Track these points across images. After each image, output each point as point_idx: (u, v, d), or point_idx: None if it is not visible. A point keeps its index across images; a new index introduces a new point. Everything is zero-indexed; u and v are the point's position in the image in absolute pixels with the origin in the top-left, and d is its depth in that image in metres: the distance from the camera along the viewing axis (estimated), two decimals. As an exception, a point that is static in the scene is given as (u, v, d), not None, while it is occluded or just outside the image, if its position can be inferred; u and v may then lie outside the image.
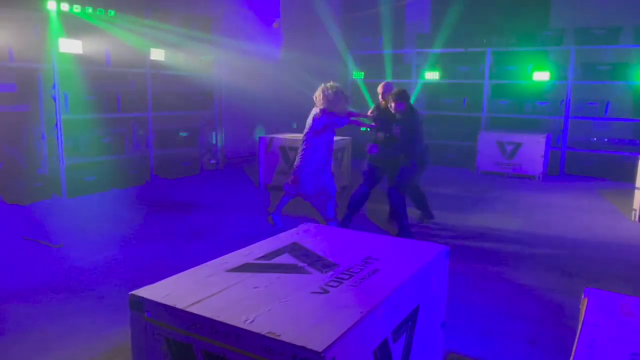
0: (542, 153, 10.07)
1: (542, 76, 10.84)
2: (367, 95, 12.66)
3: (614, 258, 5.51)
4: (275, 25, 11.97)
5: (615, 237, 6.29)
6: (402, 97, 5.97)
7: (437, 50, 11.98)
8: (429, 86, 12.35)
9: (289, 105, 12.33)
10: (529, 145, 10.20)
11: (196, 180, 9.50)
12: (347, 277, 2.48)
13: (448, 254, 3.00)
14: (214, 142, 10.81)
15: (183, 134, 9.87)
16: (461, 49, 11.69)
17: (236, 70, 10.87)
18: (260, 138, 8.85)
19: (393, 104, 5.95)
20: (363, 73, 12.96)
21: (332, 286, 2.36)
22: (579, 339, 1.93)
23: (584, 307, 2.21)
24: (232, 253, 2.83)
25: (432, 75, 12.06)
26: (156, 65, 9.13)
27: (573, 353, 1.85)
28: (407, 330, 2.51)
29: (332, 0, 13.15)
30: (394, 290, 2.33)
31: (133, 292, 2.23)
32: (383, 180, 6.53)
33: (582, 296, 2.29)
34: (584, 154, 10.65)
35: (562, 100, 10.81)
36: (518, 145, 10.29)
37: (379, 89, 6.71)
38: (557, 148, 10.81)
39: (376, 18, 12.81)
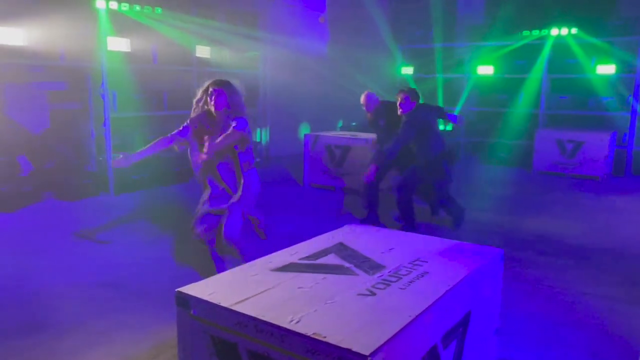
0: (607, 152, 9.65)
1: (607, 69, 10.39)
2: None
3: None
4: (321, 19, 12.01)
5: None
6: (412, 96, 5.92)
7: (491, 43, 11.69)
8: (482, 81, 12.06)
9: (335, 102, 12.35)
10: (591, 144, 9.79)
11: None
12: (394, 279, 2.47)
13: (502, 257, 2.94)
14: (258, 140, 10.96)
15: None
16: (518, 42, 11.34)
17: (281, 67, 10.99)
18: (305, 136, 8.91)
19: (400, 104, 5.92)
20: (412, 67, 12.81)
21: (379, 288, 2.36)
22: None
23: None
24: (277, 252, 2.87)
25: (485, 70, 11.78)
26: (202, 62, 9.35)
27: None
28: (458, 337, 2.47)
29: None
30: (444, 295, 2.30)
31: (179, 289, 2.30)
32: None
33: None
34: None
35: (630, 95, 10.31)
36: (580, 144, 9.90)
37: (362, 101, 6.65)
38: (622, 147, 10.31)
39: (427, 10, 12.61)
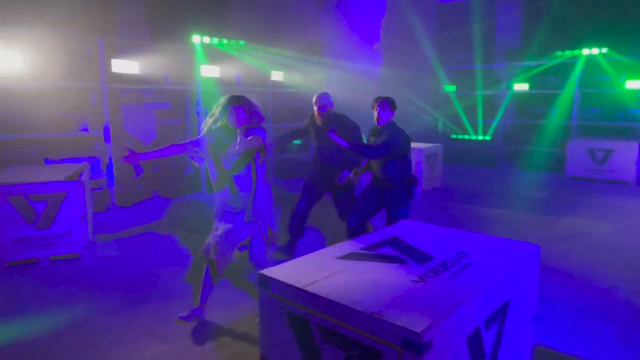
0: (635, 159, 8.99)
1: (635, 84, 9.69)
2: (458, 108, 12.22)
3: None
4: (376, 47, 11.94)
5: None
6: (390, 105, 4.44)
7: (527, 62, 11.21)
8: (519, 96, 11.57)
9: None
10: (621, 152, 9.16)
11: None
12: (442, 269, 2.42)
13: (539, 253, 2.81)
14: (322, 148, 11.03)
15: (297, 142, 10.19)
16: (551, 61, 10.79)
17: (341, 87, 11.00)
18: (361, 145, 8.86)
19: (377, 112, 4.44)
20: (455, 86, 12.51)
21: (429, 276, 2.32)
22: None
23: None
24: (341, 243, 2.88)
25: (521, 87, 11.31)
26: (276, 84, 9.55)
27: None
28: (499, 321, 2.39)
29: (427, 21, 12.83)
30: (486, 283, 2.24)
31: (261, 271, 2.36)
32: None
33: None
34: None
35: (658, 108, 9.57)
36: (609, 152, 9.28)
37: (317, 100, 4.83)
38: (651, 154, 9.57)
39: (468, 36, 12.28)
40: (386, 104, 4.39)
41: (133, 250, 5.17)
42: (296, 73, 9.89)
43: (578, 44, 10.38)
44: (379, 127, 4.37)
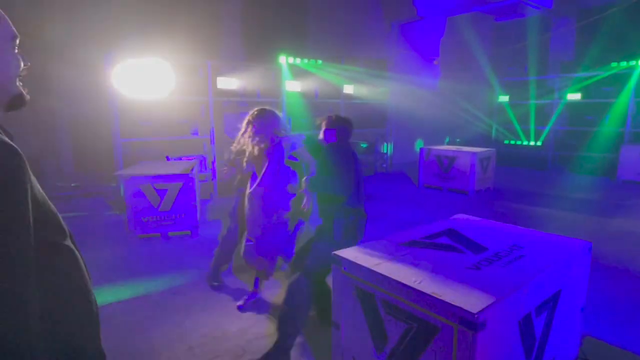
0: (694, 165, 7.86)
1: (696, 92, 8.46)
2: (511, 115, 11.45)
3: None
4: (435, 62, 11.52)
5: None
6: (336, 123, 3.01)
7: (580, 74, 10.22)
8: (572, 105, 10.59)
9: (443, 123, 11.81)
10: (677, 158, 8.07)
11: (372, 179, 9.67)
12: (496, 259, 2.30)
13: (590, 249, 2.57)
14: (385, 151, 10.89)
15: (364, 145, 10.14)
16: (606, 72, 9.74)
17: (404, 98, 10.78)
18: (420, 149, 8.63)
19: (323, 130, 3.09)
20: (508, 96, 11.72)
21: (483, 265, 2.21)
22: None
23: None
24: (402, 232, 2.83)
25: (573, 96, 10.33)
26: (347, 96, 9.55)
27: None
28: (549, 309, 2.22)
29: (484, 38, 12.14)
30: (537, 273, 2.09)
31: (335, 252, 2.38)
32: None
33: None
34: None
35: None
36: (665, 158, 8.21)
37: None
38: None
39: (523, 50, 11.46)
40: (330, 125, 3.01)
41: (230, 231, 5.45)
42: (364, 86, 9.83)
43: (633, 55, 9.28)
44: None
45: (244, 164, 3.06)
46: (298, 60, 8.31)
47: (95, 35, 6.76)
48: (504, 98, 11.79)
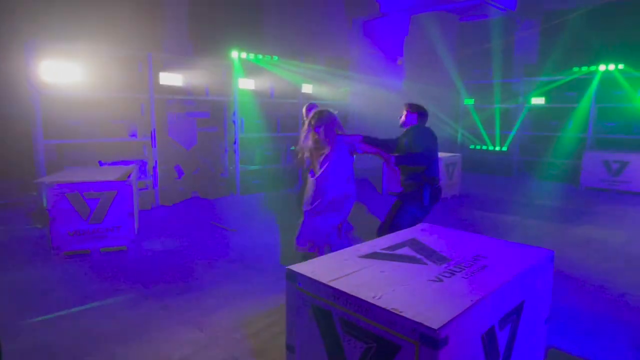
0: (651, 171, 8.61)
1: (652, 99, 9.29)
2: (477, 120, 12.00)
3: None
4: (399, 62, 11.86)
5: None
6: (417, 108, 4.13)
7: (544, 78, 10.93)
8: (536, 109, 11.27)
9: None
10: (636, 163, 8.79)
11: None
12: (459, 270, 2.37)
13: (553, 258, 2.72)
14: (347, 156, 11.02)
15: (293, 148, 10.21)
16: (568, 77, 10.47)
17: (366, 99, 11.01)
18: (384, 153, 8.81)
19: (404, 115, 4.14)
20: (473, 100, 12.30)
21: (445, 276, 2.28)
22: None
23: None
24: (363, 243, 2.87)
25: (538, 100, 11.01)
26: (306, 96, 9.59)
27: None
28: (513, 321, 2.32)
29: (448, 38, 12.69)
30: (501, 284, 2.18)
31: (289, 267, 2.36)
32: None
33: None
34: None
35: (675, 122, 9.14)
36: (625, 164, 8.91)
37: (306, 112, 5.20)
38: (667, 167, 9.14)
39: (487, 52, 12.09)
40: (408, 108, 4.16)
41: (173, 245, 5.28)
42: (324, 86, 9.93)
43: (595, 60, 10.05)
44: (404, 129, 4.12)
45: (305, 159, 3.81)
46: (252, 56, 8.25)
47: (15, 20, 6.36)
48: (469, 101, 12.35)
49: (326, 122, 3.67)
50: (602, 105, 10.18)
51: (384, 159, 3.84)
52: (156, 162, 7.21)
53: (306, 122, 3.94)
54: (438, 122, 12.03)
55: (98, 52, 6.50)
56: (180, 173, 7.90)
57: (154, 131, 7.16)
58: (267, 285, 4.05)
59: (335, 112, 3.80)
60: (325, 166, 3.64)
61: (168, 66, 7.33)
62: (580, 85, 10.31)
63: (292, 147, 9.76)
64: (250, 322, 3.39)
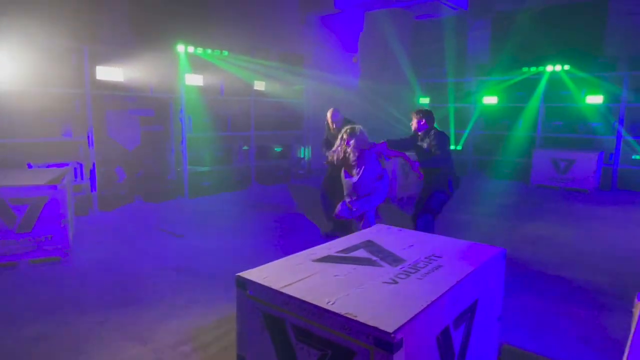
0: (595, 169, 9.26)
1: (595, 99, 10.00)
2: (432, 117, 12.36)
3: (668, 268, 4.94)
4: (354, 59, 12.03)
5: (669, 248, 5.64)
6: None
7: (495, 77, 11.48)
8: (488, 109, 11.82)
9: (364, 125, 12.29)
10: (582, 162, 9.43)
11: (287, 188, 9.73)
12: (413, 271, 2.43)
13: (505, 255, 2.85)
14: (302, 156, 11.04)
15: (278, 149, 10.17)
16: (518, 76, 11.06)
17: (321, 97, 11.06)
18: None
19: (415, 122, 5.04)
20: (429, 98, 12.69)
21: (401, 278, 2.32)
22: (632, 340, 1.75)
23: (638, 310, 2.00)
24: (317, 246, 2.87)
25: (490, 100, 11.55)
26: (258, 93, 9.51)
27: (626, 353, 1.68)
28: (467, 321, 2.41)
29: (403, 36, 13.01)
30: (455, 284, 2.25)
31: (239, 273, 2.32)
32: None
33: (636, 300, 2.07)
34: (636, 170, 9.65)
35: (615, 122, 9.88)
36: (571, 162, 9.54)
37: (331, 117, 5.86)
38: (609, 165, 9.88)
39: (441, 50, 12.52)
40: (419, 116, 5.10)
41: (113, 254, 5.05)
42: (278, 83, 9.88)
43: (542, 61, 10.68)
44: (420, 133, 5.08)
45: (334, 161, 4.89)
46: (200, 50, 8.06)
47: None
48: (424, 100, 12.73)
49: (356, 137, 4.69)
50: (550, 105, 10.84)
51: (410, 164, 4.89)
52: (94, 164, 6.86)
53: (338, 134, 4.94)
54: (393, 121, 12.31)
55: (27, 43, 6.09)
56: (121, 175, 7.58)
57: (91, 130, 6.82)
58: (217, 294, 3.97)
59: (364, 129, 4.82)
60: (357, 171, 4.67)
61: (107, 60, 7.00)
62: (530, 85, 10.92)
63: (245, 147, 9.65)
64: (198, 334, 3.30)
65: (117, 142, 7.60)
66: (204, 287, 4.15)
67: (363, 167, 4.65)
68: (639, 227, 6.68)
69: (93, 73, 6.82)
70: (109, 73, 6.98)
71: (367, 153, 4.67)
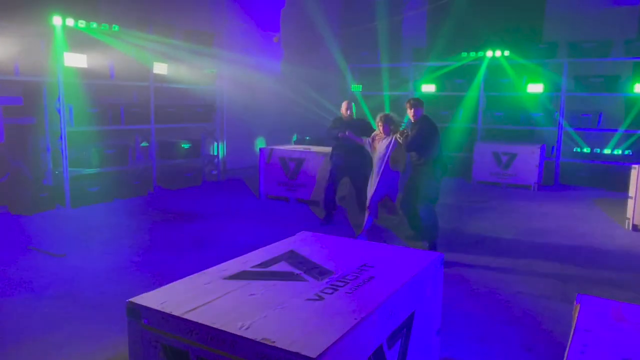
0: (537, 163, 10.06)
1: (536, 88, 10.86)
2: (365, 107, 12.72)
3: (608, 265, 5.48)
4: (275, 39, 12.03)
5: (609, 245, 6.26)
6: (421, 103, 6.15)
7: (433, 63, 12.04)
8: (426, 98, 12.34)
9: (289, 117, 12.35)
10: (524, 156, 10.21)
11: (198, 190, 9.49)
12: (342, 284, 2.46)
13: (443, 261, 2.98)
14: (215, 153, 10.82)
15: (185, 145, 9.87)
16: (457, 62, 11.70)
17: (237, 83, 10.92)
18: (260, 149, 8.85)
19: (412, 111, 5.99)
20: (361, 86, 13.00)
21: (327, 293, 2.34)
22: (570, 344, 1.90)
23: (577, 313, 2.19)
24: (230, 261, 2.82)
25: (428, 88, 12.09)
26: (159, 78, 9.16)
27: (565, 357, 1.83)
28: (403, 337, 2.48)
29: (331, 14, 13.22)
30: (388, 297, 2.31)
31: (130, 299, 2.21)
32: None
33: (575, 302, 2.27)
34: (578, 164, 10.64)
35: (556, 112, 10.82)
36: (513, 156, 10.29)
37: (347, 107, 7.23)
38: (551, 158, 10.79)
39: (374, 32, 12.88)
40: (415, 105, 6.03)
41: (-31, 282, 4.60)
42: (184, 66, 9.60)
43: (482, 46, 11.38)
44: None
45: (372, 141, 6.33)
46: (82, 24, 7.60)
47: None
48: (356, 88, 13.04)
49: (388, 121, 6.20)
50: (491, 94, 11.60)
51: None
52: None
53: (379, 123, 6.23)
54: (322, 111, 12.47)
55: None
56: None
57: None
58: (106, 325, 3.76)
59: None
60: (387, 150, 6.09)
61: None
62: (469, 72, 11.61)
63: (144, 144, 9.26)
64: (84, 377, 3.10)
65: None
66: (89, 318, 3.93)
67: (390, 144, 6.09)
68: (580, 223, 7.36)
69: None
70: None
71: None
